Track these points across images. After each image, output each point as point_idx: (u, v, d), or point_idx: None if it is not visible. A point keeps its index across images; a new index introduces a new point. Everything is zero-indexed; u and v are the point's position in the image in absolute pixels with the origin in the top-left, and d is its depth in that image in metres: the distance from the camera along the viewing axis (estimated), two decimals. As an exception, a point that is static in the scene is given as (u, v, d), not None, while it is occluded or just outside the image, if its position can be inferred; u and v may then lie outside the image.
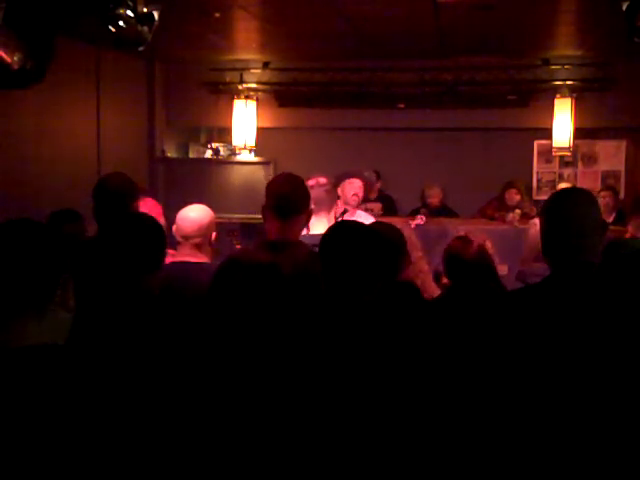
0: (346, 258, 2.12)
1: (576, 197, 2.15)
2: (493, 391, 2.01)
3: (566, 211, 2.09)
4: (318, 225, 3.33)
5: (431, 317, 2.55)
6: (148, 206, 3.66)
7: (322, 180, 3.46)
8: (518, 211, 6.34)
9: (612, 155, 7.42)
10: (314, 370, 1.92)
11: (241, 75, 7.34)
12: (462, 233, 3.13)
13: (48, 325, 1.39)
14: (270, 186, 2.85)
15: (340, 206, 4.30)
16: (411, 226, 4.42)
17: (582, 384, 1.92)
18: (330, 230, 2.27)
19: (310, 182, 3.45)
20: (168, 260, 2.92)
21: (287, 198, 2.77)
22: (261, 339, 1.88)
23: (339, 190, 4.49)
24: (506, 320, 2.10)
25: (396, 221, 4.51)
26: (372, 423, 1.88)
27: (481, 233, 3.14)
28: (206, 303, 2.00)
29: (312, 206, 3.38)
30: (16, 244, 1.39)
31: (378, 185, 7.42)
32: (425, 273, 3.11)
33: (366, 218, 4.76)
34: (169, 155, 7.92)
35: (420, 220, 5.36)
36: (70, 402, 1.29)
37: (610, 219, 6.20)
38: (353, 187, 4.70)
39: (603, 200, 6.28)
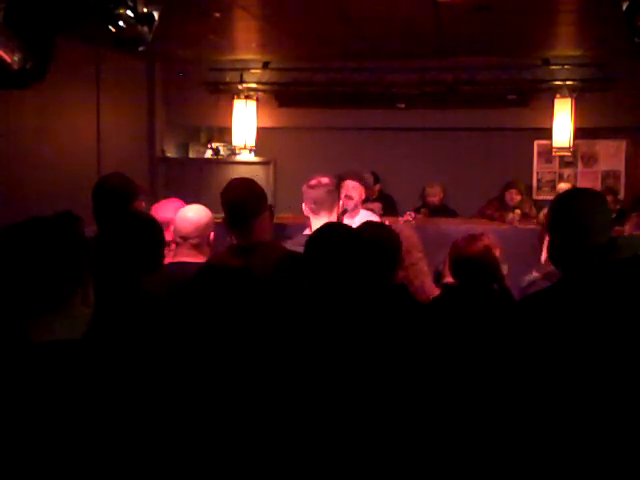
0: (327, 261, 2.12)
1: (583, 200, 2.12)
2: (494, 394, 2.01)
3: (574, 218, 2.06)
4: (319, 225, 3.32)
5: (422, 318, 2.54)
6: (175, 208, 3.63)
7: (324, 180, 3.46)
8: (518, 211, 6.35)
9: (612, 155, 7.42)
10: (297, 371, 1.92)
11: (241, 75, 7.34)
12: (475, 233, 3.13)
13: (70, 321, 1.42)
14: (222, 196, 2.91)
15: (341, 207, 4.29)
16: (412, 226, 4.39)
17: (593, 391, 1.91)
18: (314, 233, 2.27)
19: (312, 182, 3.45)
20: (166, 261, 2.92)
21: (240, 206, 2.85)
22: (239, 343, 1.88)
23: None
24: (518, 325, 2.07)
25: (396, 221, 4.51)
26: (356, 423, 1.88)
27: (491, 235, 3.15)
28: (183, 311, 2.01)
29: (313, 206, 3.40)
30: (38, 241, 1.41)
31: (377, 187, 7.42)
32: (425, 274, 3.10)
33: (367, 217, 4.74)
34: (169, 155, 7.92)
35: (408, 217, 5.26)
36: (86, 398, 1.31)
37: (611, 219, 6.19)
38: (347, 189, 4.64)
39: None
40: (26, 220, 1.46)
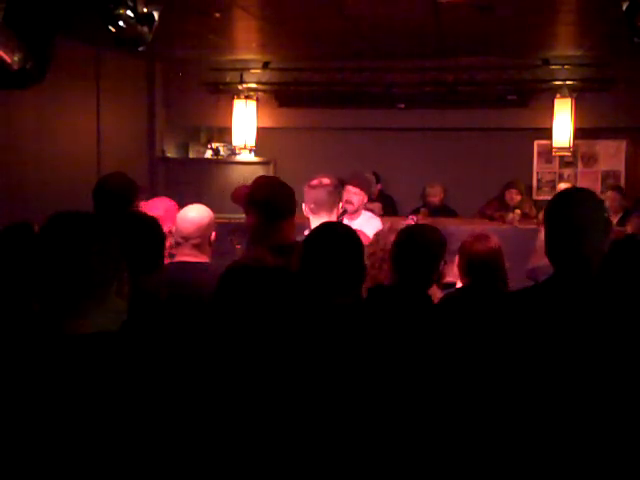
0: (322, 260, 2.11)
1: (579, 198, 2.14)
2: (489, 392, 2.01)
3: (569, 214, 2.07)
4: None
5: (434, 318, 2.55)
6: (165, 206, 3.64)
7: (325, 181, 3.46)
8: (518, 211, 6.35)
9: (612, 155, 7.42)
10: (309, 372, 1.92)
11: (241, 75, 7.34)
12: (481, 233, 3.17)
13: (106, 312, 1.47)
14: (255, 193, 2.84)
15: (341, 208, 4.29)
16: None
17: (582, 386, 1.92)
18: (311, 232, 2.26)
19: (313, 182, 3.45)
20: (167, 260, 2.92)
21: (276, 203, 2.78)
22: (276, 342, 1.88)
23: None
24: (506, 321, 2.09)
25: (397, 222, 4.50)
26: (366, 423, 1.88)
27: (494, 234, 3.18)
28: (214, 307, 2.00)
29: (312, 206, 3.40)
30: (74, 235, 1.44)
31: (378, 187, 7.42)
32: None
33: (369, 218, 4.75)
34: (169, 155, 7.91)
35: (411, 221, 5.32)
36: (101, 392, 1.35)
37: (615, 220, 6.18)
38: (347, 194, 4.65)
39: (608, 200, 6.26)
40: (67, 213, 1.50)
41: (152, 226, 2.60)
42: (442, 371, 2.08)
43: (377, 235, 3.18)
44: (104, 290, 1.47)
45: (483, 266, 3.00)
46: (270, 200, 2.80)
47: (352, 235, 2.22)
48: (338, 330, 2.00)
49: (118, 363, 1.40)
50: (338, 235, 2.21)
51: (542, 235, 2.14)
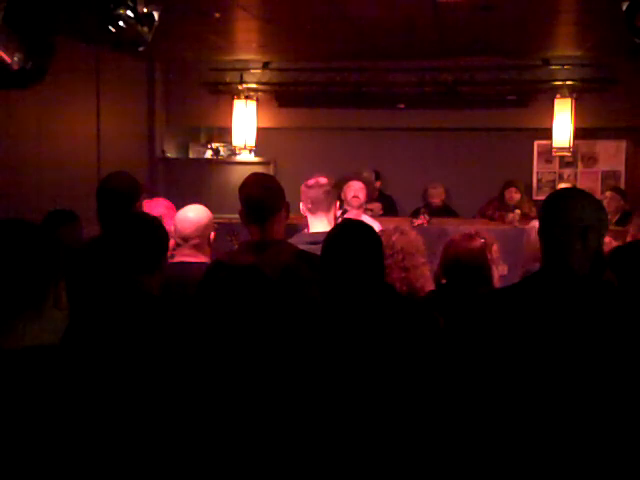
0: (349, 258, 2.10)
1: (574, 198, 2.15)
2: (474, 392, 2.01)
3: (564, 214, 2.08)
4: (317, 224, 3.33)
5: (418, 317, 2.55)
6: (163, 207, 3.63)
7: (322, 180, 3.47)
8: (518, 211, 6.35)
9: (612, 155, 7.42)
10: (308, 369, 1.92)
11: (241, 75, 7.34)
12: (472, 232, 3.14)
13: (43, 325, 1.39)
14: (241, 190, 2.86)
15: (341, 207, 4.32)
16: (415, 228, 4.41)
17: (569, 383, 1.92)
18: (333, 230, 2.26)
19: (310, 182, 3.46)
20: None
21: (259, 202, 2.80)
22: (248, 339, 1.89)
23: (341, 194, 4.57)
24: (482, 319, 2.10)
25: (400, 222, 4.51)
26: (367, 422, 1.88)
27: (489, 234, 3.16)
28: (195, 305, 2.01)
29: (310, 205, 3.41)
30: (6, 244, 1.37)
31: (378, 185, 7.43)
32: (426, 278, 3.11)
33: (370, 222, 4.78)
34: (169, 155, 7.91)
35: (423, 220, 5.33)
36: (65, 403, 1.29)
37: (613, 220, 6.18)
38: (353, 189, 4.77)
39: (606, 201, 6.27)
40: None
41: (155, 226, 2.60)
42: (423, 371, 2.07)
43: (381, 232, 3.19)
44: (39, 302, 1.38)
45: (459, 267, 2.97)
46: (255, 198, 2.82)
47: (372, 233, 2.22)
48: (359, 328, 2.00)
49: (56, 377, 1.31)
50: (363, 233, 2.20)
51: (532, 234, 2.14)
